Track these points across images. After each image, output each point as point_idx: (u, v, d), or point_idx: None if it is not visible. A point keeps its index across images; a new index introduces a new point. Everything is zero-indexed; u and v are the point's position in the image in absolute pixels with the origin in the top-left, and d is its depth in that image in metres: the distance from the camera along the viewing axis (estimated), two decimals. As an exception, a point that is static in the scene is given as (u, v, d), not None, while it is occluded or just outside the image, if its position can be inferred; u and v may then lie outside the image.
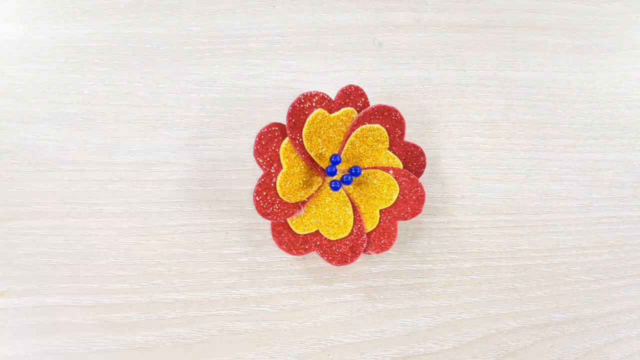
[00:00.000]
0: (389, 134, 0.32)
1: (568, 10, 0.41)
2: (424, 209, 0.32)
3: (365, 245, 0.31)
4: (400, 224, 0.33)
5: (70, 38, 0.36)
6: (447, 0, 0.40)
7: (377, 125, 0.32)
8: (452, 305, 0.34)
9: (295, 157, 0.31)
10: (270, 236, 0.31)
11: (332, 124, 0.31)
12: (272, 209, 0.30)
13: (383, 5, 0.39)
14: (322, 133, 0.31)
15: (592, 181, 0.37)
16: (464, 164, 0.36)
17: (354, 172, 0.31)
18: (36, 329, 0.31)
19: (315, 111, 0.31)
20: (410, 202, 0.32)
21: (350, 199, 0.32)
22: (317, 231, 0.31)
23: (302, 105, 0.31)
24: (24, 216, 0.33)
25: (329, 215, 0.32)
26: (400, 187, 0.32)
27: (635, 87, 0.40)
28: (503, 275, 0.35)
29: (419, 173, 0.33)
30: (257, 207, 0.30)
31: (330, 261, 0.31)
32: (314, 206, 0.32)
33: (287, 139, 0.31)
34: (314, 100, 0.31)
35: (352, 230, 0.32)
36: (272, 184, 0.30)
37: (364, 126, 0.32)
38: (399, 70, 0.38)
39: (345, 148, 0.32)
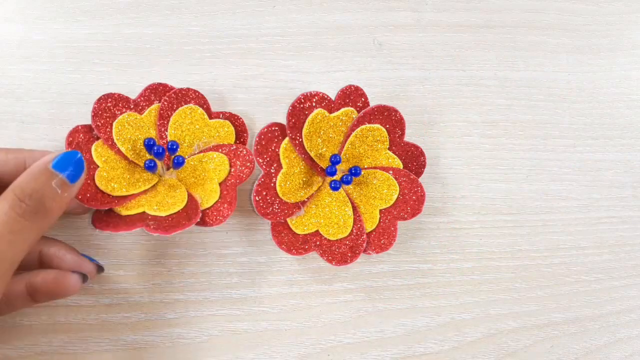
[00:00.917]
0: (389, 134, 0.32)
1: (568, 10, 0.41)
2: (424, 209, 0.32)
3: (365, 245, 0.31)
4: (400, 224, 0.33)
5: (70, 38, 0.36)
6: (447, 0, 0.40)
7: (377, 125, 0.32)
8: (452, 305, 0.34)
9: (295, 157, 0.31)
10: (270, 236, 0.31)
11: (332, 124, 0.31)
12: (272, 208, 0.30)
13: (383, 5, 0.39)
14: (322, 133, 0.31)
15: (592, 181, 0.37)
16: (464, 164, 0.36)
17: (354, 172, 0.31)
18: (37, 329, 0.31)
19: (315, 111, 0.31)
20: (410, 202, 0.32)
21: (350, 199, 0.32)
22: (317, 231, 0.31)
23: (302, 105, 0.31)
24: (24, 216, 0.33)
25: (329, 215, 0.32)
26: (400, 187, 0.32)
27: (635, 87, 0.40)
28: (503, 275, 0.35)
29: (419, 173, 0.33)
30: (256, 207, 0.30)
31: (330, 261, 0.31)
32: (313, 206, 0.32)
33: (287, 139, 0.31)
34: (314, 100, 0.31)
35: (352, 230, 0.32)
36: (272, 184, 0.30)
37: (364, 126, 0.32)
38: (399, 70, 0.38)
39: (345, 148, 0.32)
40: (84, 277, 0.27)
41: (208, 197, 0.30)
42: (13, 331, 0.31)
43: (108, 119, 0.30)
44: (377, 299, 0.33)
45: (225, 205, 0.29)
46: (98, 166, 0.29)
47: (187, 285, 0.32)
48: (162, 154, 0.30)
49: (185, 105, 0.31)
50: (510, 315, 0.34)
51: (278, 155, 0.31)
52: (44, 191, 0.23)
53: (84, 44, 0.36)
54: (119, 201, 0.29)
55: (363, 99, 0.32)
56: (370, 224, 0.32)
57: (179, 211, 0.29)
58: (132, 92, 0.31)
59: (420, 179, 0.33)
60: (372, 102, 0.32)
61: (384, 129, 0.32)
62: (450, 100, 0.38)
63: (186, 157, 0.31)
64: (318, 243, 0.31)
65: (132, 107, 0.31)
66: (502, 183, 0.36)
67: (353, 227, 0.32)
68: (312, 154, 0.31)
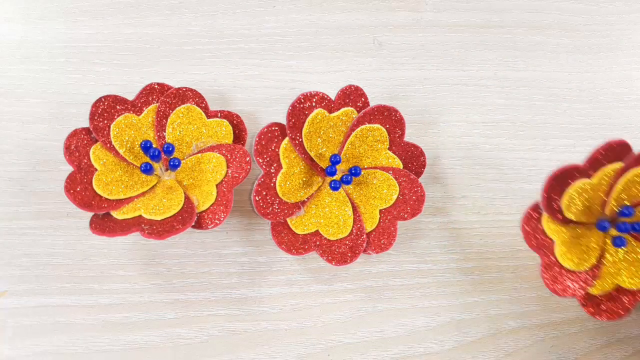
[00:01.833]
0: (388, 134, 0.32)
1: (568, 10, 0.41)
2: (423, 209, 0.32)
3: (365, 245, 0.31)
4: (400, 224, 0.33)
5: (70, 38, 0.36)
6: (447, 0, 0.40)
7: (377, 125, 0.32)
8: (452, 305, 0.34)
9: (295, 157, 0.31)
10: (270, 236, 0.31)
11: (332, 123, 0.31)
12: (272, 208, 0.30)
13: (383, 5, 0.39)
14: (322, 133, 0.31)
15: (592, 181, 0.37)
16: (464, 164, 0.36)
17: (354, 172, 0.31)
18: (36, 329, 0.31)
19: (315, 111, 0.31)
20: (410, 202, 0.32)
21: (350, 199, 0.32)
22: (317, 231, 0.31)
23: (302, 105, 0.31)
24: (24, 216, 0.33)
25: (329, 215, 0.32)
26: (400, 187, 0.32)
27: (635, 87, 0.40)
28: (503, 275, 0.35)
29: (418, 173, 0.33)
30: (256, 207, 0.30)
31: (330, 261, 0.31)
32: (313, 206, 0.32)
33: (287, 139, 0.31)
34: (314, 100, 0.31)
35: (351, 230, 0.32)
36: (272, 184, 0.30)
37: (363, 126, 0.32)
38: (399, 70, 0.38)
39: (345, 148, 0.32)
40: None
41: (205, 199, 0.30)
42: (13, 331, 0.31)
43: (106, 122, 0.30)
44: (377, 299, 0.33)
45: (221, 207, 0.29)
46: (97, 170, 0.29)
47: (187, 285, 0.32)
48: (158, 157, 0.30)
49: (183, 105, 0.31)
50: (510, 315, 0.34)
51: (278, 155, 0.31)
52: None
53: (84, 44, 0.36)
54: (117, 204, 0.29)
55: (363, 99, 0.32)
56: (370, 224, 0.32)
57: (174, 214, 0.29)
58: (132, 92, 0.31)
59: (420, 179, 0.32)
60: (372, 102, 0.32)
61: (384, 129, 0.32)
62: (450, 100, 0.38)
63: (184, 157, 0.31)
64: (318, 243, 0.31)
65: (130, 108, 0.31)
66: (502, 183, 0.36)
67: (353, 227, 0.32)
68: (312, 154, 0.31)
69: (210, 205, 0.29)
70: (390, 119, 0.32)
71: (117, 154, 0.30)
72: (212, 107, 0.33)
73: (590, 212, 0.29)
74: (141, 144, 0.30)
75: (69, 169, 0.29)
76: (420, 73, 0.38)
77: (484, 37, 0.40)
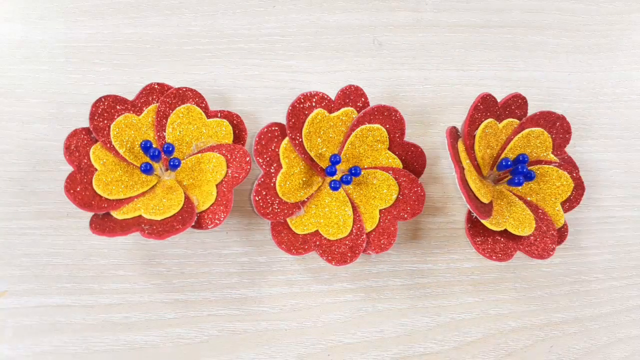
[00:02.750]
0: (389, 134, 0.32)
1: (568, 10, 0.41)
2: (424, 209, 0.32)
3: (364, 245, 0.31)
4: (400, 224, 0.33)
5: (70, 38, 0.36)
6: (447, 0, 0.40)
7: (377, 126, 0.32)
8: (452, 305, 0.34)
9: (295, 157, 0.31)
10: (270, 236, 0.31)
11: (332, 123, 0.31)
12: (272, 208, 0.30)
13: (383, 5, 0.39)
14: (322, 133, 0.31)
15: (592, 181, 0.37)
16: (464, 164, 0.36)
17: (354, 172, 0.31)
18: (36, 329, 0.31)
19: (315, 111, 0.31)
20: (410, 202, 0.32)
21: (350, 199, 0.32)
22: (317, 231, 0.31)
23: (301, 105, 0.31)
24: (24, 216, 0.33)
25: (329, 215, 0.32)
26: (400, 187, 0.32)
27: (635, 87, 0.40)
28: (503, 275, 0.35)
29: (418, 173, 0.33)
30: (256, 207, 0.30)
31: (329, 261, 0.31)
32: (313, 206, 0.32)
33: (287, 139, 0.31)
34: (314, 100, 0.31)
35: (351, 230, 0.32)
36: (272, 184, 0.30)
37: (364, 126, 0.32)
38: (399, 70, 0.38)
39: (345, 148, 0.32)
40: None
41: (205, 199, 0.30)
42: (13, 331, 0.31)
43: (106, 122, 0.30)
44: (377, 299, 0.33)
45: (221, 207, 0.29)
46: (97, 170, 0.29)
47: (187, 285, 0.32)
48: (158, 157, 0.30)
49: (183, 105, 0.31)
50: (510, 315, 0.34)
51: (278, 155, 0.31)
52: None
53: (84, 44, 0.36)
54: (117, 204, 0.29)
55: (363, 99, 0.32)
56: (370, 224, 0.32)
57: (174, 215, 0.29)
58: (133, 92, 0.31)
59: (420, 179, 0.33)
60: (372, 102, 0.32)
61: (384, 129, 0.32)
62: (450, 100, 0.38)
63: (184, 157, 0.31)
64: (318, 243, 0.31)
65: (130, 108, 0.31)
66: (502, 183, 0.36)
67: (353, 227, 0.32)
68: (312, 154, 0.31)
69: (210, 205, 0.29)
70: (391, 119, 0.32)
71: (117, 154, 0.30)
72: (212, 107, 0.33)
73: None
74: (141, 144, 0.30)
75: (69, 169, 0.29)
76: (420, 73, 0.38)
77: (484, 37, 0.40)
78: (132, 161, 0.30)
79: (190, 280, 0.32)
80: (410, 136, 0.36)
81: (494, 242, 0.31)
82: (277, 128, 0.31)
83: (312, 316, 0.33)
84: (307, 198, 0.32)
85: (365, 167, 0.32)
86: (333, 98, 0.31)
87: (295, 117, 0.30)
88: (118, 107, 0.30)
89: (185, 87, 0.32)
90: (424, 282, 0.34)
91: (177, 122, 0.31)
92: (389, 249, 0.32)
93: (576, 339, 0.34)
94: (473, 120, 0.32)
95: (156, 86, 0.31)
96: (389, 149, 0.33)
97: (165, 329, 0.31)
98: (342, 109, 0.31)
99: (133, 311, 0.32)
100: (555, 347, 0.34)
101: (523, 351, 0.33)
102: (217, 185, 0.30)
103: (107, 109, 0.30)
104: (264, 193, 0.30)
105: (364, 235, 0.31)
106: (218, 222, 0.29)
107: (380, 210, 0.32)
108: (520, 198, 0.33)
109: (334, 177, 0.32)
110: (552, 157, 0.34)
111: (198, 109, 0.31)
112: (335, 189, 0.31)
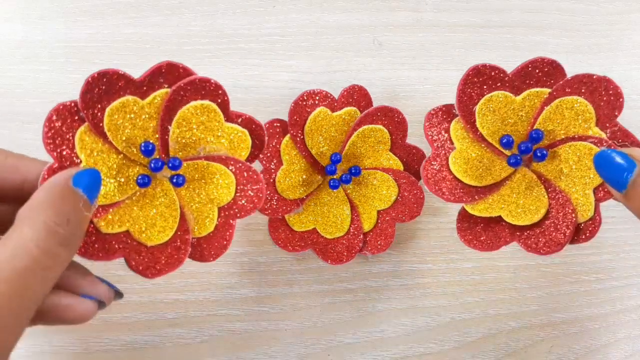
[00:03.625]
0: (390, 136, 0.32)
1: (568, 10, 0.41)
2: (423, 210, 0.32)
3: (361, 245, 0.31)
4: (400, 223, 0.33)
5: (70, 38, 0.36)
6: (447, 0, 0.40)
7: (379, 126, 0.32)
8: (452, 305, 0.34)
9: (295, 154, 0.31)
10: (268, 232, 0.31)
11: (334, 122, 0.31)
12: (270, 204, 0.30)
13: (383, 5, 0.39)
14: (324, 131, 0.31)
15: (592, 181, 0.37)
16: (464, 164, 0.36)
17: (354, 171, 0.31)
18: (36, 329, 0.31)
19: (318, 109, 0.31)
20: (409, 204, 0.32)
21: (349, 198, 0.32)
22: (314, 229, 0.31)
23: (304, 103, 0.31)
24: (24, 216, 0.33)
25: (327, 213, 0.32)
26: (399, 189, 0.32)
27: (635, 87, 0.40)
28: (503, 275, 0.35)
29: (419, 176, 0.33)
30: None
31: (325, 259, 0.31)
32: (312, 204, 0.32)
33: (288, 136, 0.31)
34: (317, 98, 0.31)
35: (349, 230, 0.32)
36: (272, 180, 0.30)
37: (366, 126, 0.32)
38: (399, 70, 0.38)
39: (346, 147, 0.32)
40: (100, 304, 0.23)
41: (201, 223, 0.25)
42: (13, 331, 0.31)
43: (102, 102, 0.24)
44: (377, 299, 0.33)
45: (219, 241, 0.25)
46: (80, 161, 0.23)
47: (187, 285, 0.32)
48: (159, 169, 0.25)
49: (198, 101, 0.25)
50: (510, 315, 0.34)
51: (279, 151, 0.31)
52: (77, 213, 0.20)
53: (84, 44, 0.36)
54: (102, 210, 0.23)
55: (366, 99, 0.32)
56: (367, 224, 0.32)
57: (165, 243, 0.24)
58: (132, 92, 0.31)
59: (421, 182, 0.32)
60: (376, 103, 0.32)
61: (386, 130, 0.32)
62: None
63: (184, 158, 0.26)
64: (315, 241, 0.31)
65: (133, 89, 0.25)
66: (502, 183, 0.36)
67: (350, 226, 0.32)
68: (313, 152, 0.31)
69: (207, 234, 0.25)
70: (393, 120, 0.32)
71: (109, 142, 0.24)
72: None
73: (501, 132, 0.28)
74: (141, 145, 0.24)
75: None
76: (420, 73, 0.38)
77: (484, 37, 0.39)
78: (128, 154, 0.24)
79: (190, 280, 0.32)
80: (410, 136, 0.36)
81: (483, 230, 0.28)
82: (279, 125, 0.31)
83: (312, 316, 0.33)
84: (306, 196, 0.32)
85: (366, 167, 0.32)
86: (336, 97, 0.32)
87: (297, 114, 0.30)
88: (120, 86, 0.24)
89: (208, 78, 0.25)
90: (424, 282, 0.34)
91: (187, 120, 0.25)
92: (386, 250, 0.32)
93: (576, 339, 0.34)
94: (463, 99, 0.27)
95: (171, 67, 0.25)
96: (391, 150, 0.33)
97: (165, 329, 0.31)
98: (345, 109, 0.31)
99: (133, 311, 0.32)
100: (555, 347, 0.34)
101: (523, 351, 0.33)
102: (219, 209, 0.25)
103: (104, 88, 0.24)
104: (264, 191, 0.30)
105: (361, 236, 0.31)
106: (212, 258, 0.25)
107: (378, 211, 0.32)
108: (545, 181, 0.28)
109: (334, 176, 0.32)
110: (595, 130, 0.28)
111: (217, 108, 0.26)
112: (334, 187, 0.31)
